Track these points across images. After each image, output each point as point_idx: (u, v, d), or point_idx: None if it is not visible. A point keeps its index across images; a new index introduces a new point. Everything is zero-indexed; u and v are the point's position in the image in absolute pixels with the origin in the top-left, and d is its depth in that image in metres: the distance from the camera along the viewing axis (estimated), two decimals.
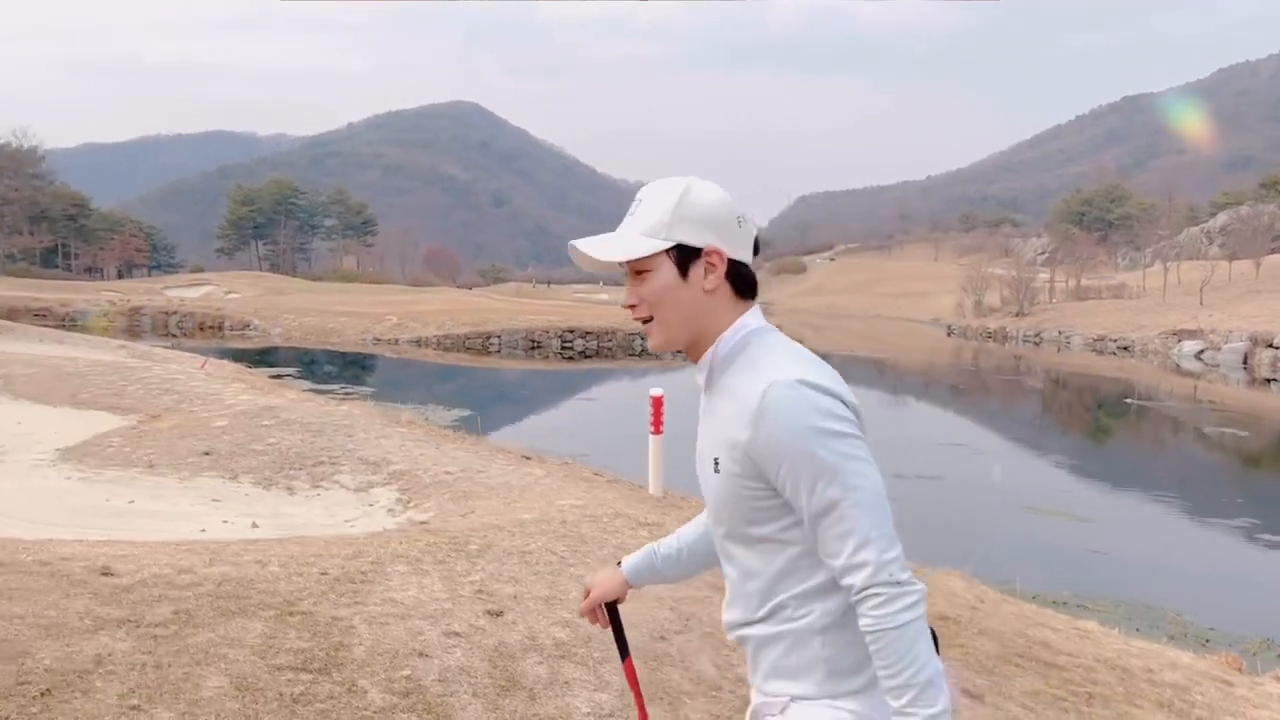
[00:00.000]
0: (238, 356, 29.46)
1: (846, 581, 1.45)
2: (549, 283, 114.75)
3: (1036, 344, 57.75)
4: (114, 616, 3.16)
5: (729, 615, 1.66)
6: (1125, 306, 61.68)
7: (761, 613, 1.59)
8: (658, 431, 6.22)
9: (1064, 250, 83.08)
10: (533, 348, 42.48)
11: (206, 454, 8.30)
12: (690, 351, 1.63)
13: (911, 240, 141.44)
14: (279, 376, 24.95)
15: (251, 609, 3.44)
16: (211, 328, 48.47)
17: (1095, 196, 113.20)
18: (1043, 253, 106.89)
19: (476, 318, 45.84)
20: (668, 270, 1.58)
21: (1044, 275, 74.14)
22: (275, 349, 39.97)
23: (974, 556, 9.23)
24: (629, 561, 1.93)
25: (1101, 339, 53.91)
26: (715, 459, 1.57)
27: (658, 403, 6.19)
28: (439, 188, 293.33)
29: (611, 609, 1.93)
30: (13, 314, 40.18)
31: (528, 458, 9.02)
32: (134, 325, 48.36)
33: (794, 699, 1.57)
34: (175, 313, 50.85)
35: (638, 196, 1.63)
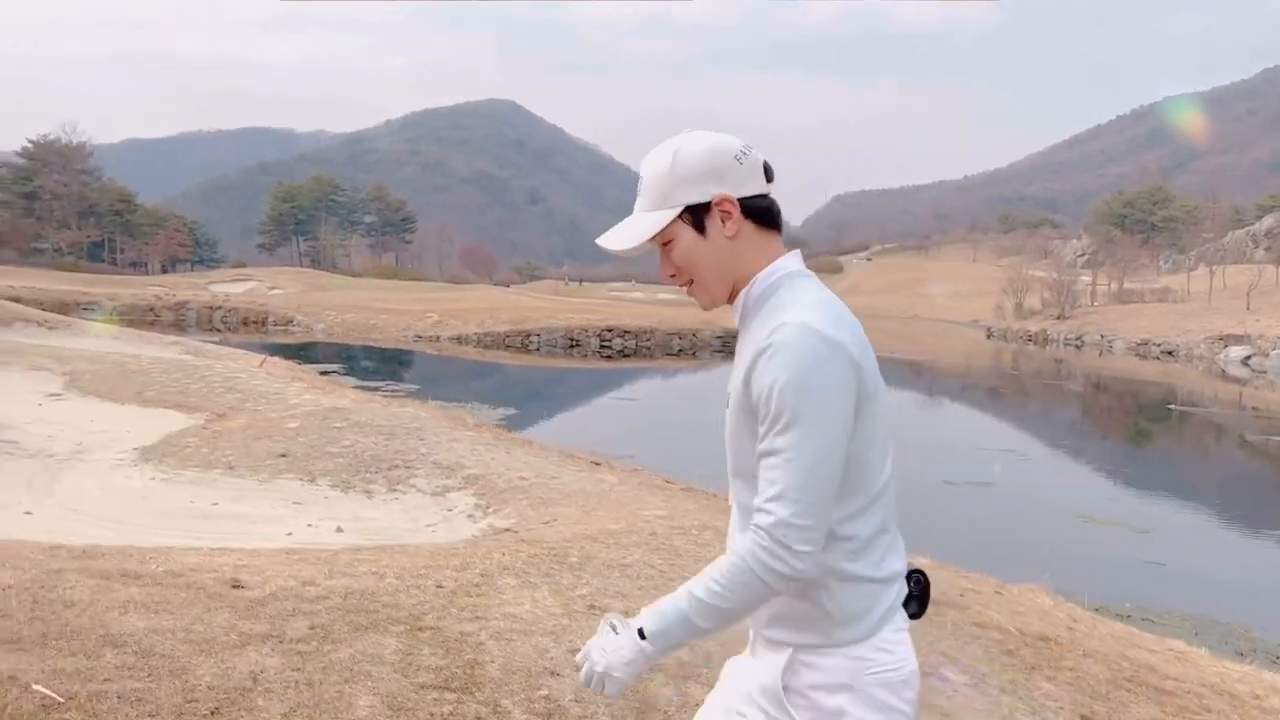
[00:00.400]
0: (283, 352, 29.76)
1: (754, 517, 1.51)
2: (580, 280, 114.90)
3: (1078, 347, 57.11)
4: (256, 631, 3.21)
5: (731, 543, 1.68)
6: (1169, 310, 60.84)
7: None
8: None
9: (1105, 252, 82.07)
10: (571, 346, 42.64)
11: (283, 456, 8.40)
12: (732, 299, 1.68)
13: (949, 241, 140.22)
14: (326, 373, 25.21)
15: (381, 624, 3.48)
16: (255, 323, 49.09)
17: (1137, 198, 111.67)
18: (1082, 254, 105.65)
19: (516, 316, 46.04)
20: (686, 234, 1.63)
21: (1085, 278, 73.24)
22: (319, 345, 40.41)
23: (1042, 569, 9.15)
24: None
25: (1145, 343, 53.27)
26: (729, 394, 1.63)
27: None
28: (475, 185, 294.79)
29: None
30: (63, 308, 40.84)
31: (597, 463, 9.06)
32: (180, 320, 49.07)
33: (797, 649, 1.62)
34: (220, 308, 51.53)
35: (640, 174, 1.68)
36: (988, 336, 66.52)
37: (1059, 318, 63.72)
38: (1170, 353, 50.86)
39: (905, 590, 1.68)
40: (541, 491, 7.44)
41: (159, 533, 6.36)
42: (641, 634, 1.55)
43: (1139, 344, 53.67)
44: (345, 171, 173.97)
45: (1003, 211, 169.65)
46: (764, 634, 1.67)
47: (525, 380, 34.62)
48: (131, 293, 54.05)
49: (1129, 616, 9.32)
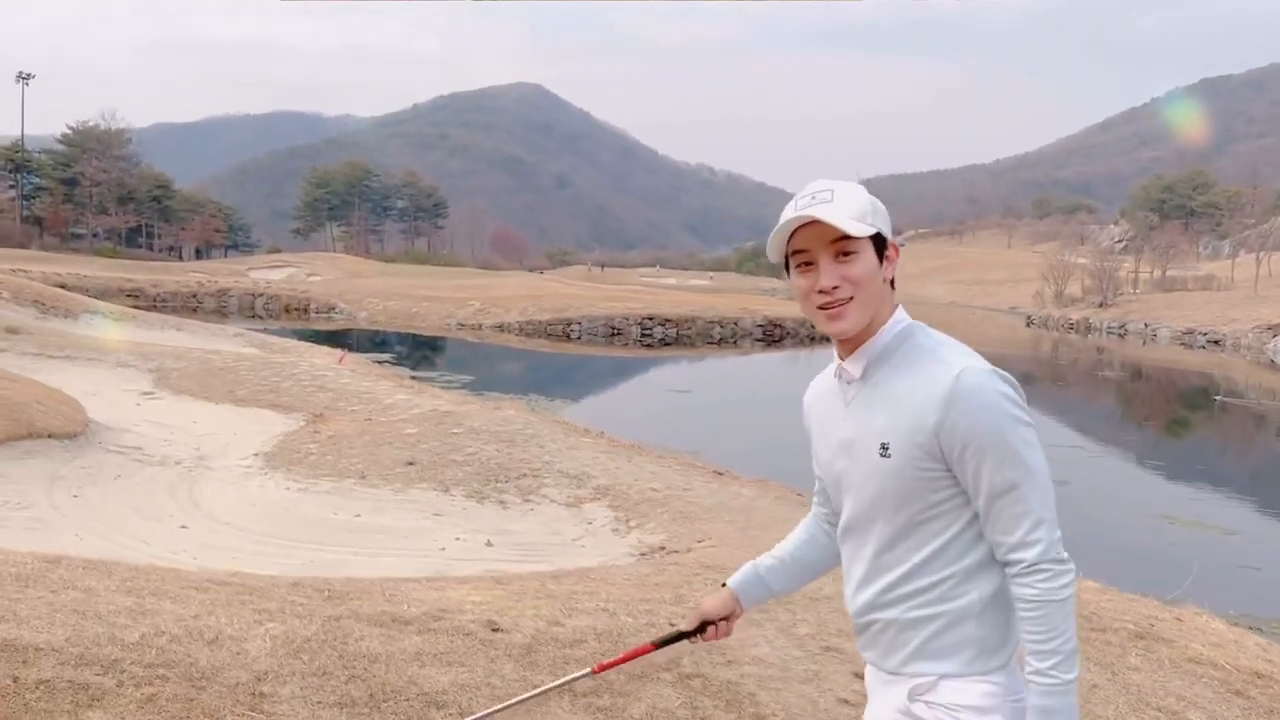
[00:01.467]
0: (329, 341, 29.78)
1: (1016, 556, 1.59)
2: (603, 266, 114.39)
3: (1121, 336, 56.49)
4: (547, 684, 3.18)
5: (863, 596, 1.73)
6: (1214, 299, 60.03)
7: (904, 590, 1.68)
8: None
9: (1143, 238, 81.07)
10: (613, 334, 42.62)
11: (410, 464, 8.41)
12: (849, 340, 1.71)
13: (983, 226, 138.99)
14: (380, 362, 25.32)
15: (650, 671, 3.44)
16: (297, 310, 49.37)
17: (1176, 183, 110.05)
18: (1120, 240, 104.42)
19: (557, 304, 46.06)
20: (871, 255, 1.67)
21: (1127, 265, 72.31)
22: (365, 332, 40.62)
23: (1151, 577, 9.02)
24: (734, 580, 2.07)
25: (1190, 332, 52.61)
26: (884, 444, 1.65)
27: None
28: (502, 169, 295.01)
29: (700, 629, 2.07)
30: (106, 294, 41.27)
31: (720, 473, 9.03)
32: (222, 306, 49.45)
33: (942, 676, 1.66)
34: (261, 295, 51.84)
35: (821, 187, 1.68)
36: (1027, 324, 65.85)
37: (1101, 305, 62.96)
38: (1217, 342, 50.24)
39: None
40: (679, 505, 7.40)
41: (322, 549, 6.38)
42: None
43: (1184, 333, 53.02)
44: (373, 155, 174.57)
45: (1036, 196, 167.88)
46: (903, 671, 1.70)
47: (574, 369, 34.66)
48: (174, 279, 54.52)
49: (1237, 624, 9.20)
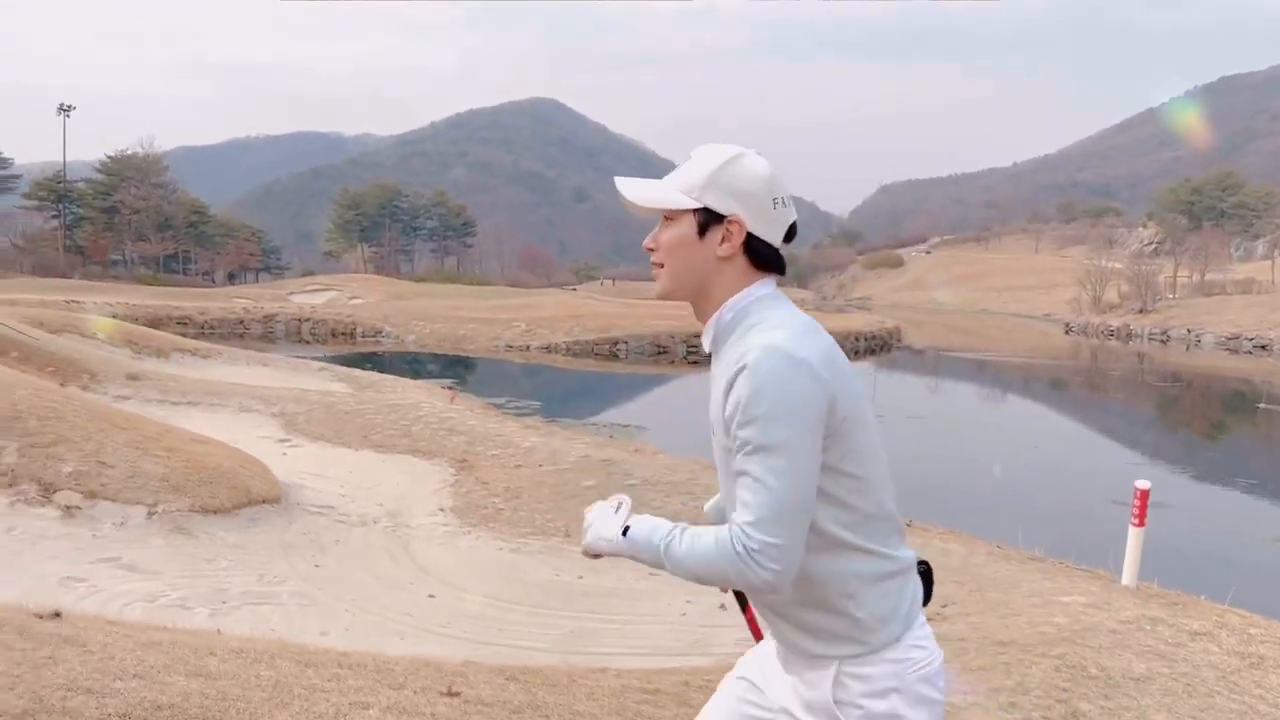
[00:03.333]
0: (375, 364, 29.90)
1: (731, 528, 1.57)
2: (614, 280, 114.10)
3: (1164, 342, 56.19)
4: None
5: (727, 514, 1.72)
6: (1256, 302, 59.68)
7: None
8: (1141, 524, 6.27)
9: (1173, 241, 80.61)
10: (659, 353, 42.81)
11: None
12: (695, 310, 1.76)
13: (1009, 231, 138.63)
14: (450, 389, 25.55)
15: None
16: (344, 334, 49.73)
17: (1205, 184, 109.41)
18: (1150, 244, 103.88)
19: (601, 323, 46.26)
20: (688, 227, 1.70)
21: (1166, 270, 71.92)
22: (416, 357, 40.93)
23: None
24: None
25: (1236, 337, 52.34)
26: (713, 422, 1.69)
27: (1144, 496, 6.23)
28: (522, 185, 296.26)
29: None
30: (156, 323, 41.68)
31: (909, 522, 9.13)
32: (268, 332, 49.89)
33: (841, 661, 1.66)
34: (308, 320, 52.23)
35: (691, 153, 1.74)
36: (1066, 332, 65.60)
37: (1141, 311, 62.62)
38: (1264, 347, 49.96)
39: (920, 584, 1.74)
40: None
41: (571, 616, 6.54)
42: (625, 531, 1.69)
43: (1229, 338, 52.76)
44: (395, 174, 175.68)
45: (1060, 199, 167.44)
46: (800, 648, 1.71)
47: (637, 391, 34.76)
48: (219, 306, 54.99)
49: None
